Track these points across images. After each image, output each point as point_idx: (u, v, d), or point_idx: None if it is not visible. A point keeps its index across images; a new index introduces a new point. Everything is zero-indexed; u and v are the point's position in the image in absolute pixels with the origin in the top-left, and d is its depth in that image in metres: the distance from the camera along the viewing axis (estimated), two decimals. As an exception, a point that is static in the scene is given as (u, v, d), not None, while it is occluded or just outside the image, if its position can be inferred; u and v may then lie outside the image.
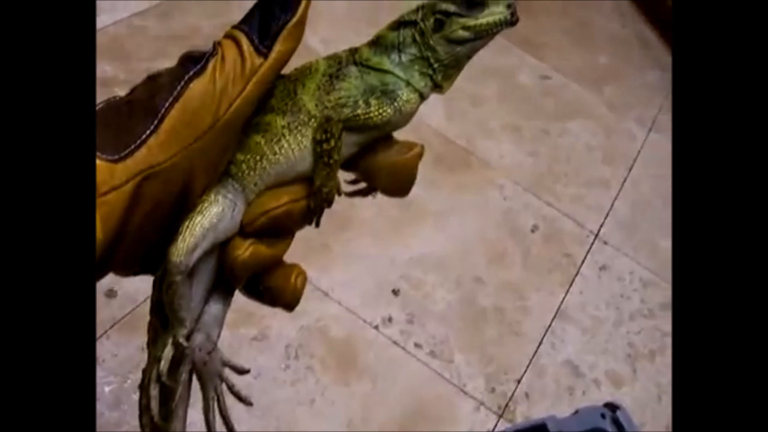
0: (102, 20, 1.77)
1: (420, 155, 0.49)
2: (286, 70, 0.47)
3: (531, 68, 2.23)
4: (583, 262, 1.69)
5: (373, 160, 0.48)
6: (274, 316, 1.34)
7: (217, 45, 0.43)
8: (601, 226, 1.80)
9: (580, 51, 2.40)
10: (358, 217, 1.54)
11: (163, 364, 0.46)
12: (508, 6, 0.47)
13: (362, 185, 0.51)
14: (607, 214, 1.84)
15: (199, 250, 0.44)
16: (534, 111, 2.08)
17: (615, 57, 2.44)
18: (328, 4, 2.08)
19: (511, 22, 0.47)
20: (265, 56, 0.43)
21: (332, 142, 0.45)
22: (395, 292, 1.47)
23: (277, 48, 0.43)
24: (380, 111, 0.46)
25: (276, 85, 0.47)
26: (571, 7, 2.60)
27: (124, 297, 1.27)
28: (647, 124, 2.20)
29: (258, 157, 0.46)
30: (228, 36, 0.43)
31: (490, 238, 1.67)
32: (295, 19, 0.44)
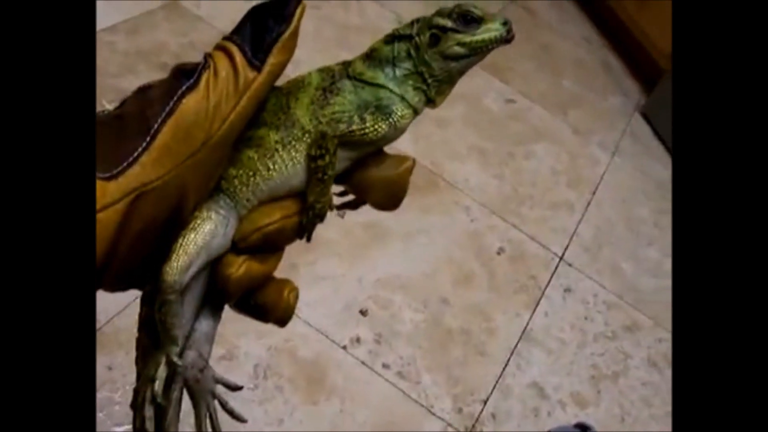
0: (70, 36, 1.75)
1: (411, 169, 0.49)
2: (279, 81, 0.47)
3: (497, 92, 2.26)
4: (548, 284, 1.71)
5: (365, 174, 0.48)
6: (242, 336, 1.33)
7: (208, 57, 0.42)
8: (566, 248, 1.82)
9: (544, 75, 2.44)
10: (323, 237, 1.54)
11: (158, 385, 0.45)
12: (504, 23, 0.47)
13: (351, 197, 0.51)
14: (572, 237, 1.87)
15: (194, 268, 0.43)
16: (499, 134, 2.11)
17: (579, 82, 2.48)
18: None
19: (507, 39, 0.47)
20: (259, 69, 0.42)
21: (327, 158, 0.45)
22: (363, 313, 1.48)
23: (271, 61, 0.42)
24: (375, 127, 0.46)
25: (269, 98, 0.46)
26: (537, 32, 2.65)
27: (90, 316, 1.25)
28: (610, 148, 2.24)
29: (251, 173, 0.45)
30: (220, 48, 0.43)
31: (456, 260, 1.68)
32: (289, 31, 0.43)
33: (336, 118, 0.46)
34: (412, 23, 0.48)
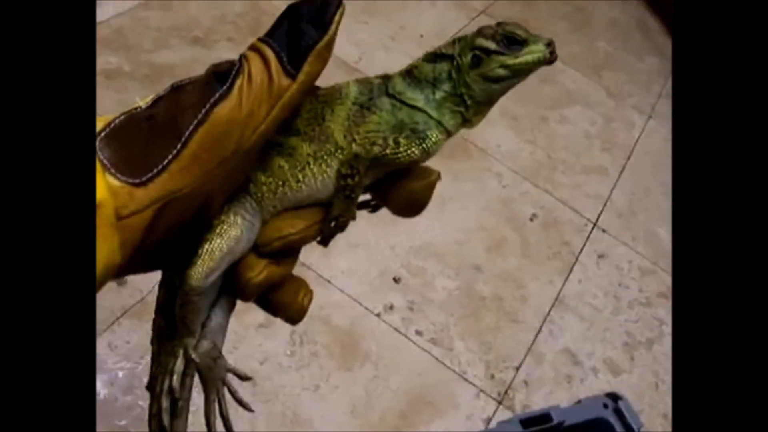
0: (106, 11, 1.76)
1: (435, 184, 0.49)
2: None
3: (530, 55, 2.23)
4: (581, 250, 1.71)
5: (390, 186, 0.48)
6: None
7: (243, 59, 0.41)
8: (600, 214, 1.81)
9: (578, 37, 2.40)
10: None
11: (176, 380, 0.47)
12: (548, 44, 0.46)
13: (368, 197, 0.51)
14: (606, 203, 1.85)
15: (218, 272, 0.44)
16: (532, 98, 2.09)
17: (614, 43, 2.44)
18: None
19: (550, 60, 0.46)
20: (293, 77, 0.41)
21: (357, 178, 0.45)
22: (396, 280, 1.49)
23: (306, 69, 0.41)
24: (408, 152, 0.45)
25: (303, 104, 0.45)
26: (570, -7, 2.61)
27: (133, 286, 1.28)
28: (646, 111, 2.21)
29: (280, 182, 0.45)
30: (254, 49, 0.41)
31: (488, 227, 1.68)
32: (326, 39, 0.41)
33: (371, 138, 0.45)
34: (453, 42, 0.47)
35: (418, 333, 1.41)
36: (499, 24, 0.47)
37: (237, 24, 1.86)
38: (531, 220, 1.74)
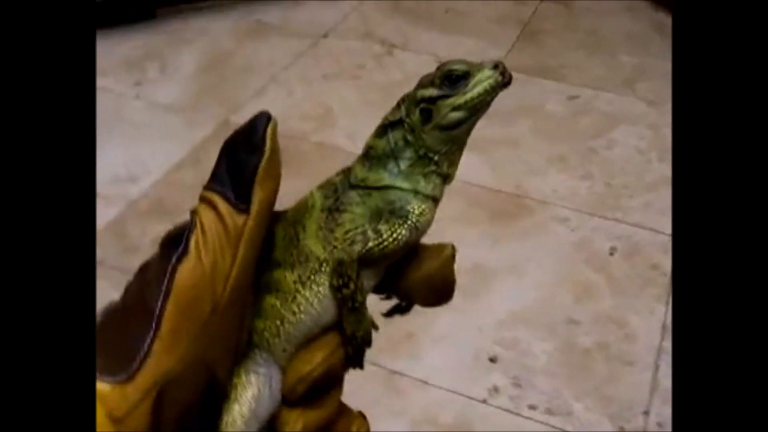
0: (142, 186, 1.82)
1: (453, 257, 0.44)
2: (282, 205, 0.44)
3: (556, 93, 2.20)
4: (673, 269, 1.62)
5: (403, 278, 0.44)
6: (378, 419, 1.31)
7: (194, 215, 0.39)
8: (679, 225, 1.72)
9: (599, 59, 2.36)
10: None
11: None
12: (495, 66, 0.42)
13: (396, 301, 0.47)
14: (681, 212, 1.77)
15: None
16: (573, 134, 2.04)
17: (636, 53, 2.39)
18: (339, 99, 2.11)
19: (504, 83, 0.42)
20: (247, 211, 0.38)
21: (351, 286, 0.41)
22: (492, 360, 1.43)
23: (257, 199, 0.39)
24: (394, 236, 0.41)
25: (275, 232, 0.43)
26: (577, 20, 2.58)
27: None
28: (691, 108, 2.13)
29: (278, 322, 0.42)
30: (203, 200, 0.39)
31: (570, 276, 1.61)
32: (265, 159, 0.39)
33: (350, 238, 0.42)
34: (398, 105, 0.44)
35: (532, 407, 1.34)
36: (438, 68, 0.43)
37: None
38: (611, 254, 1.66)
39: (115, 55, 2.27)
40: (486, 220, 1.75)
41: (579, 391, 1.37)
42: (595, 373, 1.40)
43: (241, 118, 1.70)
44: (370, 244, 0.41)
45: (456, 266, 0.44)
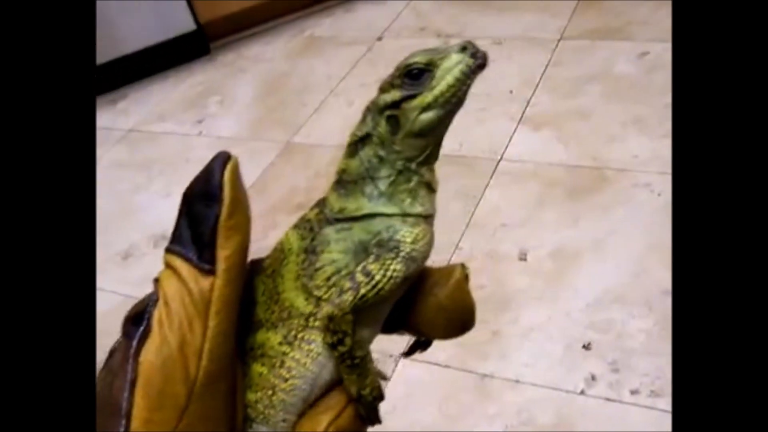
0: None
1: (466, 278, 0.38)
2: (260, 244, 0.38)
3: (624, 53, 2.08)
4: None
5: (413, 312, 0.38)
6: (472, 424, 1.25)
7: (155, 284, 0.34)
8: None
9: (665, 9, 2.21)
10: (512, 289, 1.44)
11: None
12: (463, 49, 0.36)
13: (413, 339, 0.42)
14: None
15: None
16: (648, 92, 1.92)
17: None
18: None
19: (479, 64, 0.36)
20: (213, 272, 0.33)
21: (348, 341, 0.35)
22: (586, 347, 1.34)
23: (223, 255, 0.33)
24: (388, 275, 0.35)
25: (256, 287, 0.37)
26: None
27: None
28: None
29: (270, 392, 0.36)
30: (165, 265, 0.34)
31: (660, 243, 1.50)
32: (225, 209, 0.33)
33: (335, 285, 0.36)
34: (364, 116, 0.38)
35: (634, 392, 1.25)
36: (396, 66, 0.37)
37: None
38: (703, 214, 1.54)
39: (174, 96, 2.31)
40: (565, 200, 1.66)
41: (685, 367, 1.27)
42: (701, 346, 1.29)
43: (304, 138, 1.69)
44: (362, 290, 0.35)
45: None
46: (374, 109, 0.37)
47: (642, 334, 1.34)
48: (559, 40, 2.15)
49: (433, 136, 0.37)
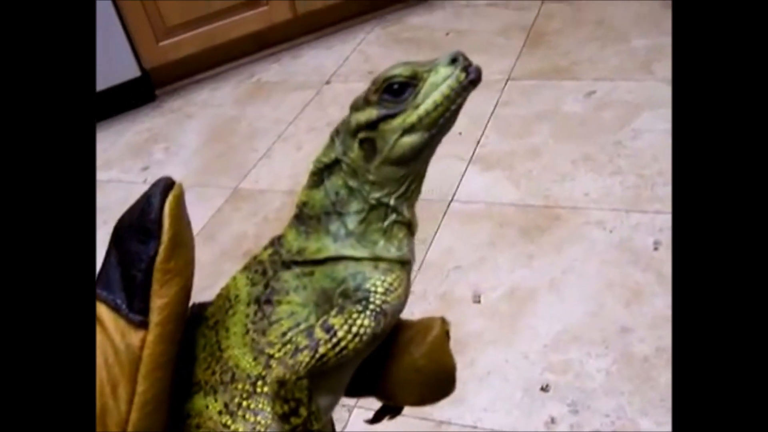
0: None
1: (446, 334, 0.33)
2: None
3: (572, 92, 2.09)
4: (724, 253, 1.48)
5: (383, 375, 0.33)
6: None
7: None
8: (724, 205, 1.59)
9: (612, 49, 2.25)
10: (467, 332, 1.41)
11: None
12: (453, 60, 0.31)
13: (380, 404, 0.37)
14: (724, 190, 1.63)
15: None
16: (596, 130, 1.93)
17: (648, 34, 2.27)
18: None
19: (471, 80, 0.31)
20: (145, 325, 0.28)
21: (303, 411, 0.29)
22: (545, 389, 1.31)
23: (158, 304, 0.28)
24: (354, 331, 0.30)
25: (196, 339, 0.31)
26: (582, 14, 2.48)
27: None
28: (716, 79, 2.00)
29: None
30: None
31: (616, 280, 1.49)
32: (163, 248, 0.28)
33: (289, 341, 0.30)
34: (332, 140, 0.32)
35: (595, 433, 1.22)
36: (373, 80, 0.32)
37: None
38: (655, 249, 1.54)
39: (119, 144, 2.26)
40: (518, 239, 1.64)
41: (644, 404, 1.24)
42: (659, 382, 1.27)
43: (252, 184, 1.64)
44: (321, 349, 0.29)
45: (451, 344, 0.33)
46: (345, 131, 0.32)
47: (601, 373, 1.32)
48: (507, 80, 2.16)
49: (415, 164, 0.31)
